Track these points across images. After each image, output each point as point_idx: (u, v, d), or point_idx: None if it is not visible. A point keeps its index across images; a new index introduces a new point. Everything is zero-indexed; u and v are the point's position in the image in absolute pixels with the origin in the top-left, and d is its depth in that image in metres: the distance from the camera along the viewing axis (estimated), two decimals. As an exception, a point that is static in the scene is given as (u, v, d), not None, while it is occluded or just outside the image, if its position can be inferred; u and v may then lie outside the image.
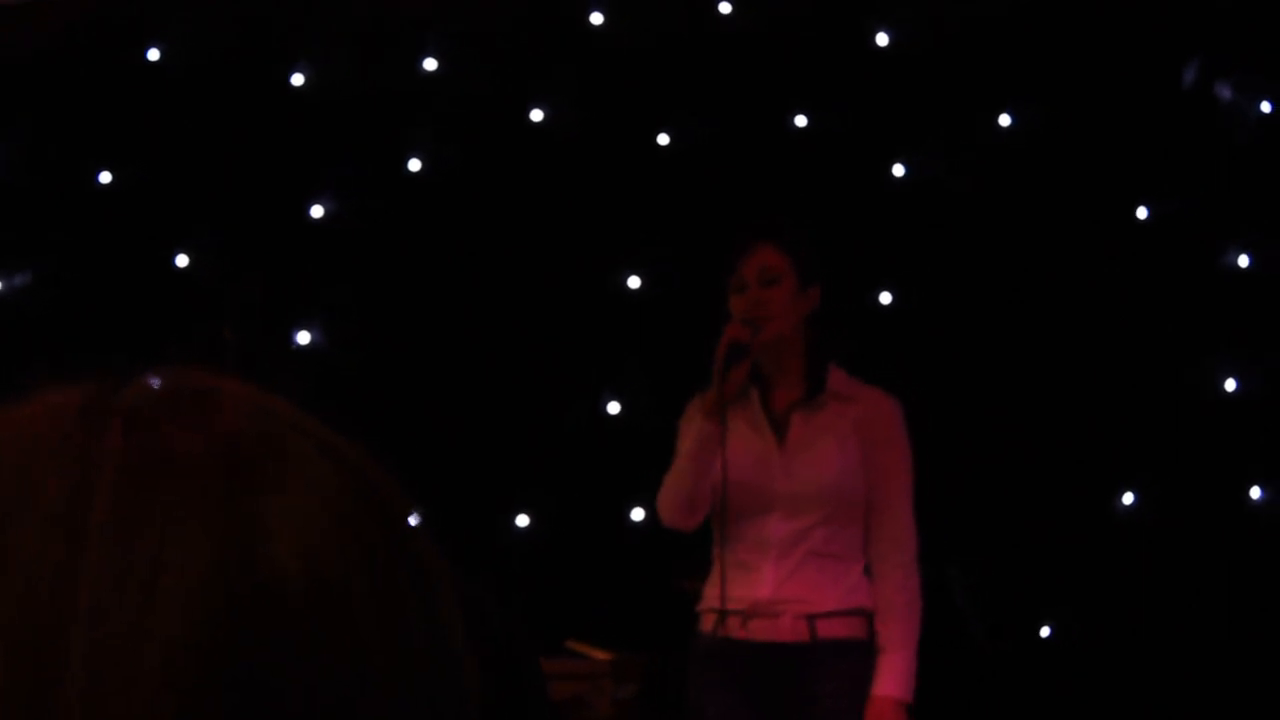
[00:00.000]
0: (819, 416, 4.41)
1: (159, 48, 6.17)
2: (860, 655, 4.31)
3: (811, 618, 4.33)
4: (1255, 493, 5.85)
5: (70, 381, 0.75)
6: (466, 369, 6.02)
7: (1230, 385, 5.89)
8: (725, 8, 6.10)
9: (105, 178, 6.15)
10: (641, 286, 6.07)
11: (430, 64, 6.16)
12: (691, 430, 4.43)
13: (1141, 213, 5.95)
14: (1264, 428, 5.83)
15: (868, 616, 4.35)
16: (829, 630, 4.33)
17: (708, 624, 4.44)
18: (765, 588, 4.35)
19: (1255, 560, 5.75)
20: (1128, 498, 5.88)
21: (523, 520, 6.02)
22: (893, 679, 4.27)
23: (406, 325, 6.05)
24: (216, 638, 0.68)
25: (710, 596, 4.45)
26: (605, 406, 6.04)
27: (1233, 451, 5.84)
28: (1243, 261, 5.94)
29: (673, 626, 4.68)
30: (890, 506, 4.38)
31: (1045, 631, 5.89)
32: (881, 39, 6.06)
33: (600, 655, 5.27)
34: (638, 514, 5.90)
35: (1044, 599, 5.87)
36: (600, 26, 6.13)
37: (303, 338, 6.08)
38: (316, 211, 6.13)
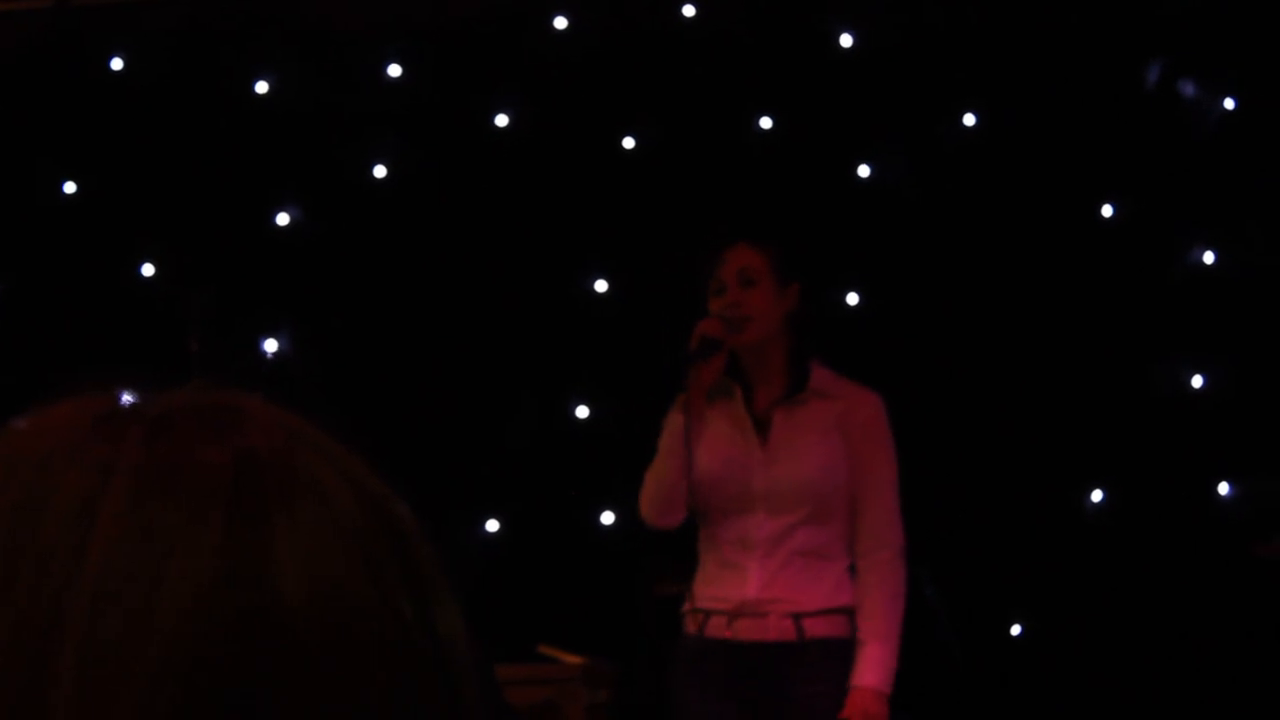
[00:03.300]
0: (801, 414, 4.39)
1: (121, 58, 6.15)
2: (847, 654, 4.28)
3: (798, 617, 4.30)
4: (1223, 489, 5.87)
5: (90, 391, 0.77)
6: (435, 375, 6.01)
7: (1197, 382, 5.92)
8: (689, 11, 6.11)
9: (70, 189, 6.12)
10: (609, 290, 6.07)
11: (394, 72, 6.15)
12: (668, 426, 4.43)
13: (1106, 212, 5.97)
14: (1231, 424, 5.85)
15: (852, 615, 4.32)
16: (815, 629, 4.31)
17: (693, 625, 4.42)
18: (751, 587, 4.32)
19: (1224, 556, 5.77)
20: (1096, 496, 5.90)
21: (493, 525, 6.01)
22: (872, 670, 4.24)
23: (374, 333, 6.04)
24: (212, 649, 0.68)
25: (696, 597, 4.43)
26: (575, 411, 6.04)
27: (1200, 448, 5.86)
28: (1208, 259, 5.96)
29: (645, 631, 4.68)
30: (874, 502, 4.35)
31: (1015, 630, 5.90)
32: (845, 41, 6.07)
33: (572, 660, 5.26)
34: (608, 518, 5.90)
35: (1014, 598, 5.88)
36: (563, 31, 6.13)
37: (269, 347, 6.07)
38: (282, 220, 6.12)
